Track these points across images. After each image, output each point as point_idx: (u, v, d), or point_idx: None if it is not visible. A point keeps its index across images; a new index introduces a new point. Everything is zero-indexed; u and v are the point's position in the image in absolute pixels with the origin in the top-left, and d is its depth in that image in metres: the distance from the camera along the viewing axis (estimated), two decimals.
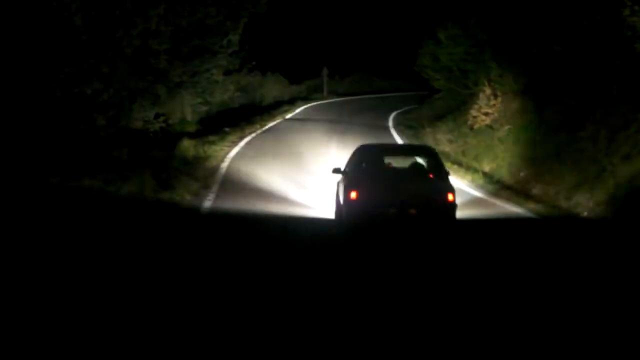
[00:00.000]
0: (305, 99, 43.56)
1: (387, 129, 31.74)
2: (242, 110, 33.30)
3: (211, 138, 25.14)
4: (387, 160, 14.06)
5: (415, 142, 27.41)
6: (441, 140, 26.21)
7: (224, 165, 21.18)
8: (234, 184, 18.15)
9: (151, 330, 7.37)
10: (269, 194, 16.77)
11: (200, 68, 26.40)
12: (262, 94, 39.02)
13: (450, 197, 12.24)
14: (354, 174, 12.99)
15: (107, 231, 11.71)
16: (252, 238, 12.41)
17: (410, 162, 13.97)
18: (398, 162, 14.36)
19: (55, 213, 12.30)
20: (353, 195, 12.16)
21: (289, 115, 35.31)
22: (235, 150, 23.96)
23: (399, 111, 38.75)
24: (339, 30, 55.91)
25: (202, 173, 19.48)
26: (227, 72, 29.12)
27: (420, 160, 14.11)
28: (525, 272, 10.64)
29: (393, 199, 12.16)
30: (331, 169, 14.07)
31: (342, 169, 13.83)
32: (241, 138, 26.88)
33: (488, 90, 24.97)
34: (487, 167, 20.93)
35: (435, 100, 35.00)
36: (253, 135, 28.03)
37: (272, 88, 41.48)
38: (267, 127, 30.71)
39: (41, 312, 7.81)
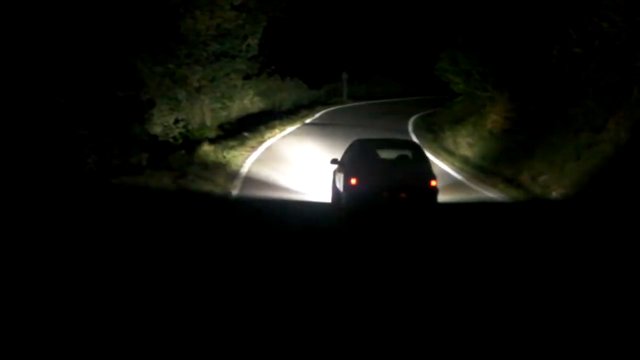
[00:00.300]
0: (325, 104, 43.59)
1: (406, 132, 31.68)
2: (262, 115, 33.31)
3: (231, 143, 25.16)
4: (382, 152, 15.82)
5: (435, 145, 27.41)
6: (461, 144, 26.10)
7: (244, 170, 21.21)
8: (253, 190, 18.25)
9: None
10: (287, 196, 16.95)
11: (219, 73, 26.50)
12: (281, 98, 39.07)
13: (433, 183, 14.40)
14: (352, 164, 14.90)
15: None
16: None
17: (397, 154, 15.57)
18: (388, 154, 15.89)
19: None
20: (353, 181, 14.29)
21: (308, 120, 35.33)
22: (254, 156, 23.98)
23: (418, 115, 38.69)
24: (358, 35, 55.96)
25: (221, 179, 19.52)
26: (247, 77, 29.20)
27: (406, 152, 15.69)
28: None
29: (386, 184, 14.30)
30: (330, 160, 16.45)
31: (339, 160, 16.07)
32: (260, 143, 26.89)
33: (507, 94, 24.87)
34: (507, 172, 20.81)
35: (455, 103, 34.87)
36: (273, 140, 28.05)
37: (292, 92, 41.55)
38: (286, 131, 30.72)
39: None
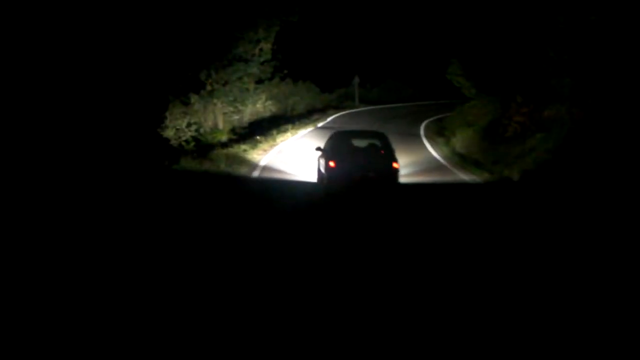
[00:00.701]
0: (337, 108, 43.61)
1: (418, 136, 31.74)
2: (274, 119, 33.40)
3: (243, 147, 25.31)
4: (355, 141, 19.56)
5: (445, 149, 27.48)
6: (473, 149, 26.10)
7: (255, 173, 21.36)
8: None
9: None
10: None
11: (231, 76, 26.58)
12: (293, 102, 39.12)
13: (395, 165, 17.89)
14: (332, 150, 18.31)
15: None
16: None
17: (367, 142, 19.36)
18: (360, 143, 19.69)
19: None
20: (332, 164, 17.70)
21: (320, 124, 35.40)
22: (267, 158, 24.13)
23: (430, 119, 38.69)
24: (370, 39, 55.99)
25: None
26: (259, 81, 29.28)
27: (375, 141, 19.29)
28: None
29: (358, 166, 17.81)
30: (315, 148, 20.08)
31: (322, 148, 19.43)
32: (272, 146, 27.03)
33: (519, 98, 24.85)
34: (517, 176, 20.81)
35: (466, 108, 34.86)
36: (284, 143, 28.17)
37: (303, 96, 41.57)
38: (298, 135, 30.83)
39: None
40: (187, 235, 12.05)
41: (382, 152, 18.46)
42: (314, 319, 7.69)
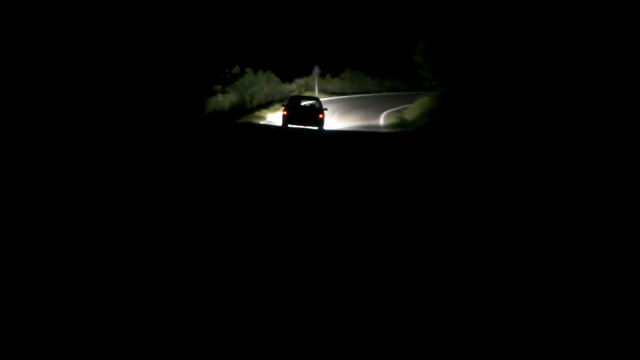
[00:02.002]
0: None
1: (378, 127, 31.73)
2: (234, 111, 33.14)
3: None
4: (302, 102, 29.55)
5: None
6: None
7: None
8: None
9: None
10: None
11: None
12: (253, 92, 38.67)
13: (320, 116, 27.35)
14: (287, 106, 28.11)
15: None
16: None
17: (309, 102, 29.30)
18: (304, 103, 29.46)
19: None
20: (284, 113, 27.71)
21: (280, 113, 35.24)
22: None
23: (390, 110, 38.67)
24: (331, 28, 55.71)
25: None
26: None
27: (313, 102, 29.41)
28: None
29: (299, 115, 27.58)
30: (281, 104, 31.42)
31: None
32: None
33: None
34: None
35: (427, 99, 34.90)
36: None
37: (264, 86, 41.14)
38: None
39: None
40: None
41: (315, 108, 28.18)
42: None
